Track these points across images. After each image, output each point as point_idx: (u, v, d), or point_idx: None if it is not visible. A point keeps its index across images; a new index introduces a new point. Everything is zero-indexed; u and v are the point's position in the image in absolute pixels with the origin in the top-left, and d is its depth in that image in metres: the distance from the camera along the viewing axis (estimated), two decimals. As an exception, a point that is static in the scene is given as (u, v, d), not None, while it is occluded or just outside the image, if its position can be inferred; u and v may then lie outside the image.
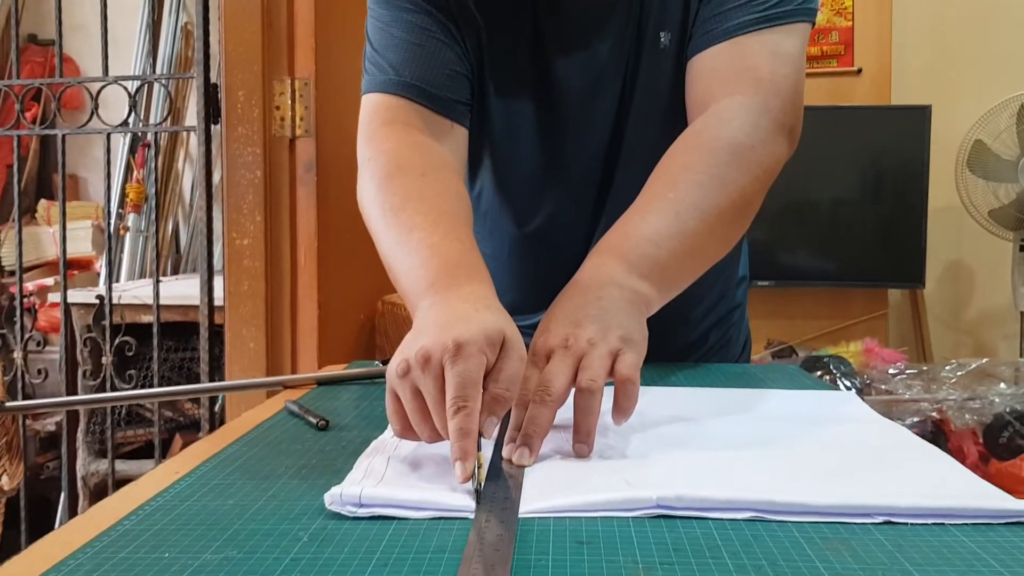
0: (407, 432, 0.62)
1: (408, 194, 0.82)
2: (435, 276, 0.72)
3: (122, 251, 2.88)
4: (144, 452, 2.31)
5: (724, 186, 0.81)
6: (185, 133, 2.90)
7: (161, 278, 2.71)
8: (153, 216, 2.84)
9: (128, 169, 2.84)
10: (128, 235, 2.82)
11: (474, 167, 1.03)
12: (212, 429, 2.00)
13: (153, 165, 2.11)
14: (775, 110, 0.87)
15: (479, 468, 0.55)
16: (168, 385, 2.39)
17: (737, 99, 0.86)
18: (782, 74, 0.88)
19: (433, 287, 0.70)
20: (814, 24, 0.93)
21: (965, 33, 2.93)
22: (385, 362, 0.99)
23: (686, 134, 0.87)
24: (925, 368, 2.60)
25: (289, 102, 1.89)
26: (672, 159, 0.85)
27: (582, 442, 0.63)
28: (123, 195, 2.84)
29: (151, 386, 2.13)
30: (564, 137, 0.99)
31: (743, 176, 0.83)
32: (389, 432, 0.65)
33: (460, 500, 0.52)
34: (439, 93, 0.92)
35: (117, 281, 2.72)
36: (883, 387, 2.59)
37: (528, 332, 1.12)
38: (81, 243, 2.96)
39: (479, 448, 0.56)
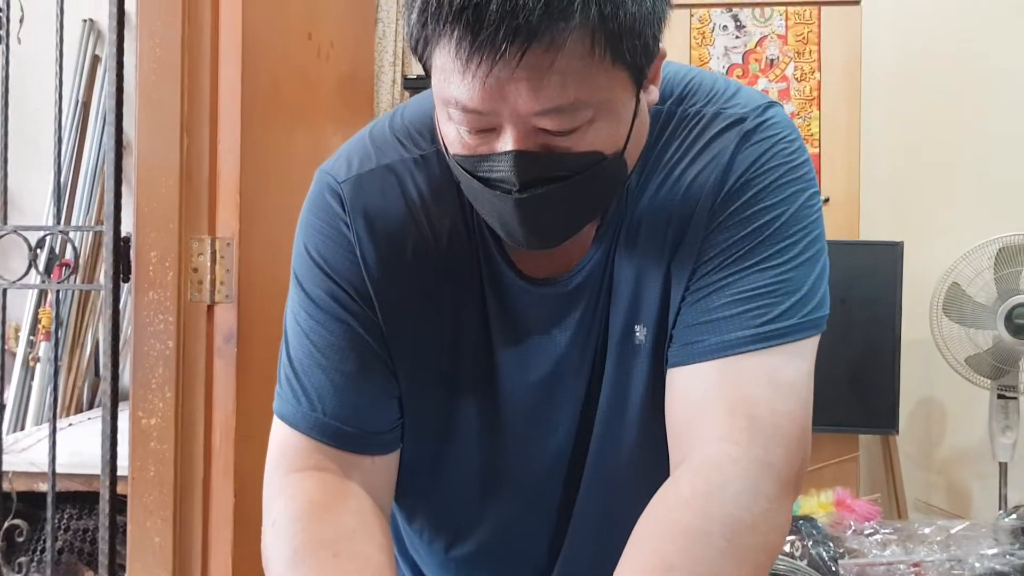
0: None
1: None
2: None
3: (33, 379, 2.63)
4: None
5: None
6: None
7: (72, 419, 2.46)
8: (66, 341, 2.60)
9: (41, 292, 2.60)
10: (38, 366, 2.57)
11: (407, 482, 0.85)
12: (112, 624, 1.75)
13: (55, 315, 1.88)
14: (779, 464, 0.68)
15: None
16: (68, 558, 2.13)
17: (730, 450, 0.68)
18: (784, 412, 0.70)
19: None
20: (824, 330, 0.76)
21: (938, 170, 2.83)
22: None
23: (667, 500, 0.68)
24: (900, 526, 2.44)
25: (208, 264, 1.68)
26: (651, 544, 0.65)
27: None
28: (35, 320, 2.60)
29: (41, 564, 1.87)
30: (514, 439, 0.82)
31: (741, 571, 0.64)
32: None
33: None
34: (358, 431, 0.77)
35: (22, 429, 2.47)
36: (855, 547, 2.42)
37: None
38: (-14, 370, 2.69)
39: None
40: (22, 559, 1.80)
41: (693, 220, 0.74)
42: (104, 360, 1.73)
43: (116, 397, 1.76)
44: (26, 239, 1.77)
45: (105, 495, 1.73)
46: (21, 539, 1.78)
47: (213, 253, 1.69)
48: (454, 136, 0.68)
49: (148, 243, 1.68)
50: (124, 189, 1.82)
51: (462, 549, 0.86)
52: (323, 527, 0.71)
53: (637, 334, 0.77)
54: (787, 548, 2.20)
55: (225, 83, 1.68)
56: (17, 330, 2.72)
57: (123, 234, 1.77)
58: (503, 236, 0.72)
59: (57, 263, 2.61)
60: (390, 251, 0.78)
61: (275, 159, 1.78)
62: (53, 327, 1.75)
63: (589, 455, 0.80)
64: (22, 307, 2.68)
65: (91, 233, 2.59)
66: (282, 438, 0.78)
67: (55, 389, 1.74)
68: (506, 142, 0.65)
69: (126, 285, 1.76)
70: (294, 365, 0.79)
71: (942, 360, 2.54)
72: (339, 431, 0.76)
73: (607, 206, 0.75)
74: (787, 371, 0.71)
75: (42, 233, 1.79)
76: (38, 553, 1.97)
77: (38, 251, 1.78)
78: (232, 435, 1.69)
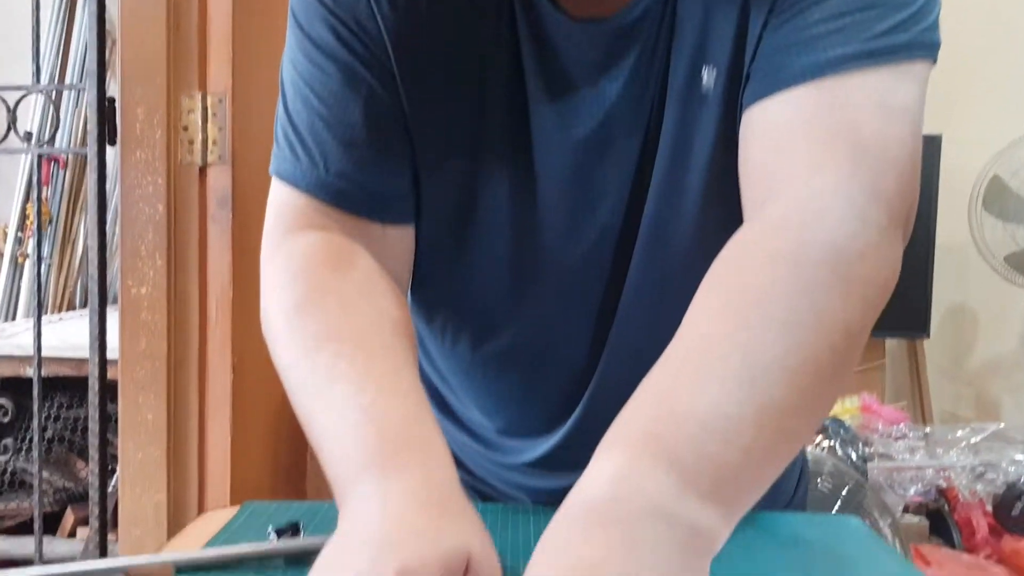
0: None
1: (326, 330, 0.59)
2: (371, 454, 0.51)
3: (22, 278, 2.52)
4: (31, 527, 1.94)
5: (822, 325, 0.50)
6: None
7: (63, 315, 2.36)
8: (56, 238, 2.49)
9: (30, 186, 2.47)
10: (27, 263, 2.46)
11: (425, 269, 0.72)
12: (103, 514, 1.65)
13: (38, 194, 1.76)
14: (889, 193, 0.55)
15: None
16: (59, 448, 2.03)
17: (829, 177, 0.55)
18: (895, 137, 0.56)
19: (369, 470, 0.51)
20: (936, 62, 0.62)
21: (980, 58, 2.66)
22: (280, 532, 0.67)
23: (752, 232, 0.56)
24: (928, 431, 2.33)
25: (200, 122, 1.55)
26: (736, 275, 0.53)
27: None
28: (23, 216, 2.48)
29: (30, 453, 1.77)
30: (552, 212, 0.69)
31: (848, 305, 0.51)
32: None
33: None
34: (366, 192, 0.66)
35: (13, 319, 2.36)
36: (883, 451, 2.31)
37: (525, 471, 0.81)
38: (-26, 268, 2.58)
39: None
40: (7, 440, 1.70)
41: None
42: (90, 227, 1.60)
43: (104, 267, 1.64)
44: (4, 100, 1.64)
45: (95, 372, 1.63)
46: (7, 419, 1.68)
47: (204, 110, 1.55)
48: None
49: (134, 99, 1.55)
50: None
51: (492, 346, 0.74)
52: (328, 280, 0.61)
53: (704, 78, 0.63)
54: (810, 448, 2.09)
55: (216, -80, 1.54)
56: (4, 229, 2.61)
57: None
58: None
59: (46, 157, 2.48)
60: None
61: (271, 8, 1.63)
62: (36, 195, 1.63)
63: (641, 230, 0.67)
64: (9, 208, 2.57)
65: (80, 128, 2.45)
66: (281, 199, 0.67)
67: (39, 260, 1.63)
68: None
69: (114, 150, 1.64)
70: (292, 118, 0.67)
71: (977, 264, 2.43)
72: (344, 191, 0.65)
73: None
74: (898, 95, 0.57)
75: (21, 94, 1.65)
76: (26, 442, 1.87)
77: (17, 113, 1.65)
78: (229, 306, 1.58)
